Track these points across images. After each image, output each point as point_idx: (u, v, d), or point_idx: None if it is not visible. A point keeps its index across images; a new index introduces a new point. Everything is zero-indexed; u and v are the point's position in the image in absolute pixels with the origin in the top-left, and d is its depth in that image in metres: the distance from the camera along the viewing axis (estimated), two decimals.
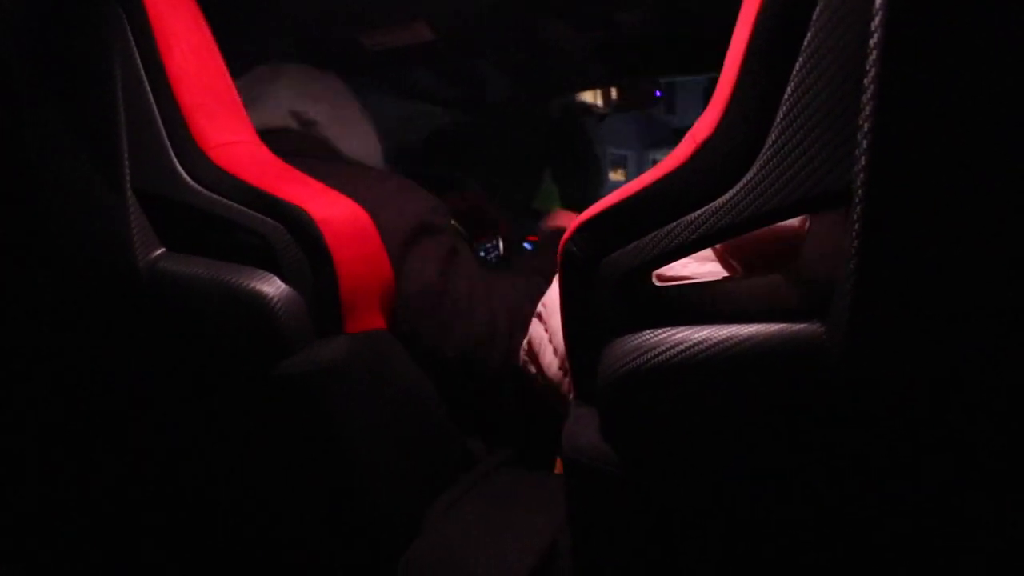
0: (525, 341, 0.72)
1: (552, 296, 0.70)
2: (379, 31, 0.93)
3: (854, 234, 0.29)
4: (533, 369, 0.71)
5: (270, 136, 0.75)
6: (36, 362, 0.51)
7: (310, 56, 0.95)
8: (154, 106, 0.51)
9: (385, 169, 0.81)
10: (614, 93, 1.53)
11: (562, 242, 0.41)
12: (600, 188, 2.30)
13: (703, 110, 0.36)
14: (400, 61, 1.12)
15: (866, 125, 0.28)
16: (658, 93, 1.24)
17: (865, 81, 0.28)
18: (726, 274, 0.46)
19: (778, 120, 0.31)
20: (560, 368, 0.67)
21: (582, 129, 2.04)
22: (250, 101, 0.79)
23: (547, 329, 0.69)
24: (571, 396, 0.52)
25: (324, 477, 0.57)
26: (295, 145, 0.76)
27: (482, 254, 1.11)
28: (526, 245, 1.23)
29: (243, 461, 0.57)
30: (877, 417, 0.31)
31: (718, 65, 0.35)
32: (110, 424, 0.55)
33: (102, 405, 0.54)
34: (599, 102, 1.49)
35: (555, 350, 0.67)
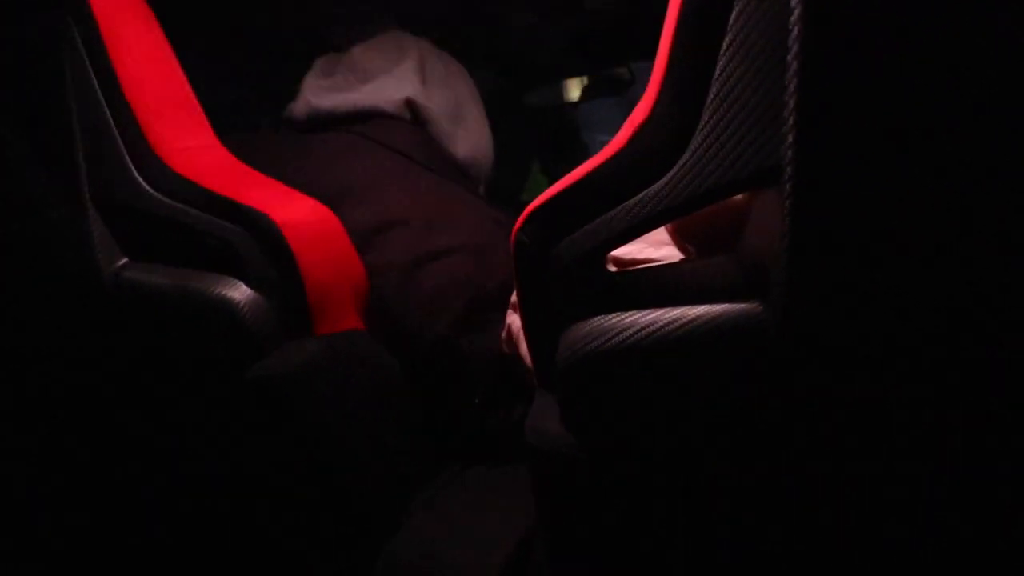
0: (504, 331, 0.72)
1: None
2: (353, 29, 0.92)
3: (785, 211, 0.29)
4: (514, 358, 0.71)
5: (377, 120, 0.73)
6: (4, 376, 0.51)
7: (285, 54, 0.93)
8: (108, 115, 0.51)
9: (481, 202, 0.76)
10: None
11: (513, 232, 0.41)
12: None
13: None
14: None
15: (791, 102, 0.28)
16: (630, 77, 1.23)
17: (788, 57, 0.28)
18: (682, 257, 0.46)
19: (709, 100, 0.31)
20: None
21: (568, 118, 2.03)
22: (365, 74, 0.76)
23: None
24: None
25: (300, 478, 0.58)
26: (401, 138, 0.73)
27: None
28: None
29: (217, 466, 0.57)
30: (816, 392, 0.31)
31: None
32: (82, 434, 0.55)
33: (72, 416, 0.55)
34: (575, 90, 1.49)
35: None
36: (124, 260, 0.53)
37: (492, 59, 1.37)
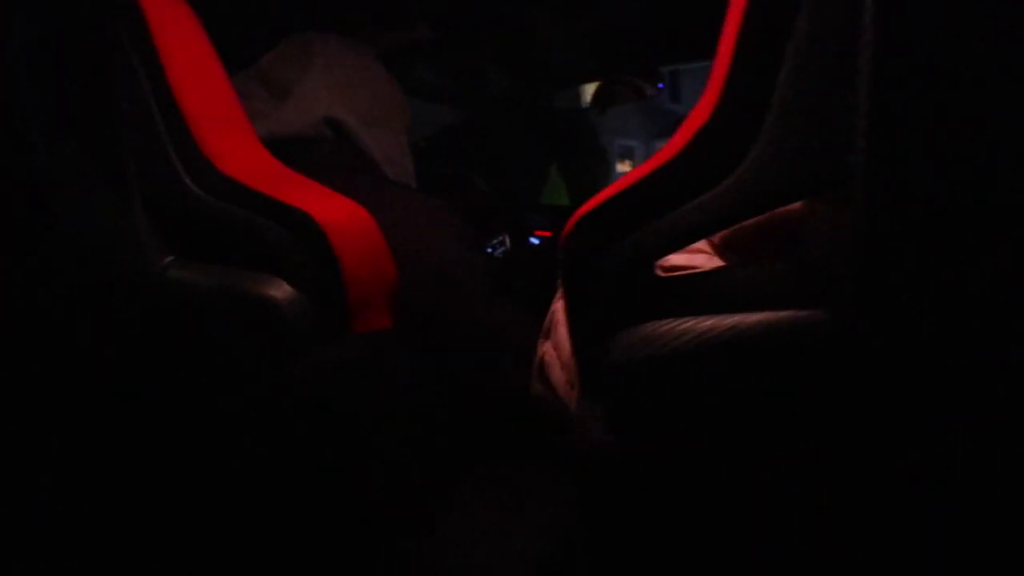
0: (536, 363, 0.70)
1: (555, 313, 0.68)
2: (379, 31, 0.93)
3: (856, 216, 0.29)
4: (544, 392, 0.68)
5: (300, 147, 0.71)
6: (46, 372, 0.52)
7: None
8: (158, 118, 0.51)
9: (416, 192, 0.76)
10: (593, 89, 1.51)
11: (562, 236, 0.41)
12: (607, 179, 2.29)
13: None
14: (401, 59, 1.12)
15: (863, 105, 0.28)
16: (660, 85, 1.22)
17: (861, 59, 0.28)
18: (720, 263, 0.45)
19: (775, 103, 0.31)
20: (567, 382, 0.64)
21: (587, 121, 2.04)
22: (279, 90, 0.73)
23: (554, 345, 0.66)
24: (577, 412, 0.51)
25: (333, 477, 0.58)
26: (328, 158, 0.72)
27: (489, 250, 1.11)
28: (533, 240, 1.23)
29: (250, 464, 0.58)
30: (883, 401, 0.31)
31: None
32: (119, 432, 0.56)
33: (111, 414, 0.55)
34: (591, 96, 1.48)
35: (562, 365, 0.65)
36: (170, 258, 0.53)
37: (513, 64, 1.38)
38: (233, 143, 0.55)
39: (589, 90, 1.67)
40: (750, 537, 0.39)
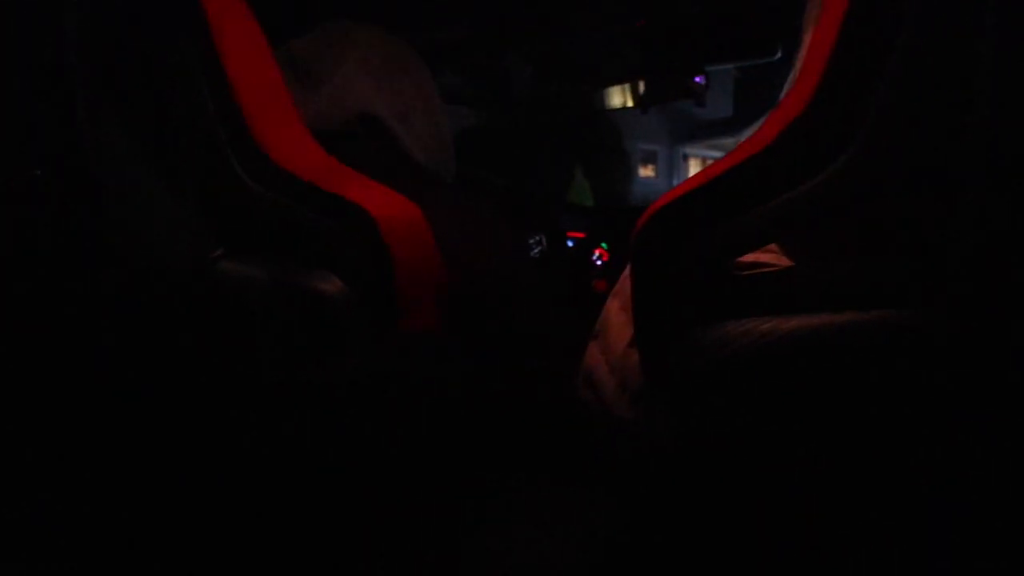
0: (583, 368, 0.67)
1: (607, 313, 0.66)
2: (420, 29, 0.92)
3: (978, 216, 0.27)
4: (589, 395, 0.66)
5: (332, 140, 0.66)
6: (95, 362, 0.51)
7: None
8: (214, 110, 0.51)
9: (460, 190, 0.74)
10: (642, 86, 1.50)
11: (636, 229, 0.40)
12: (629, 182, 2.28)
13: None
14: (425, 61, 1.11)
15: (984, 95, 0.27)
16: (699, 79, 1.19)
17: (983, 48, 0.26)
18: (787, 261, 0.43)
19: (881, 94, 0.30)
20: (617, 386, 0.61)
21: (611, 124, 2.03)
22: (311, 79, 0.70)
23: (602, 350, 0.64)
24: (629, 416, 0.50)
25: (374, 476, 0.57)
26: (362, 154, 0.68)
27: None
28: (568, 243, 1.22)
29: (294, 460, 0.57)
30: (998, 405, 0.29)
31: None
32: (163, 423, 0.55)
33: (158, 404, 0.55)
34: (630, 98, 1.46)
35: (611, 368, 0.63)
36: (221, 250, 0.53)
37: (549, 62, 1.37)
38: (286, 135, 0.54)
39: (612, 92, 1.66)
40: (825, 545, 0.37)
